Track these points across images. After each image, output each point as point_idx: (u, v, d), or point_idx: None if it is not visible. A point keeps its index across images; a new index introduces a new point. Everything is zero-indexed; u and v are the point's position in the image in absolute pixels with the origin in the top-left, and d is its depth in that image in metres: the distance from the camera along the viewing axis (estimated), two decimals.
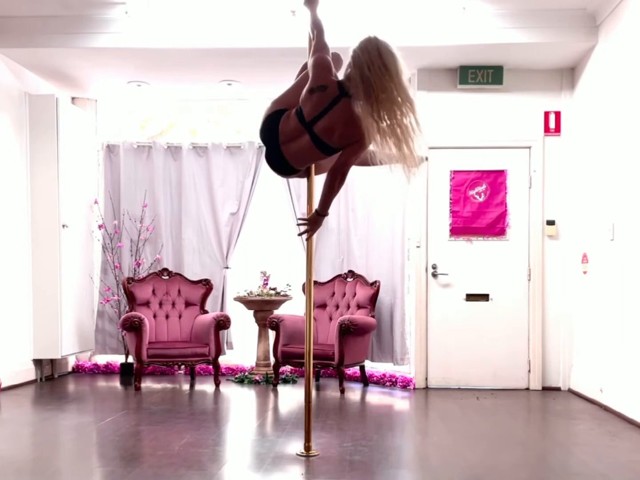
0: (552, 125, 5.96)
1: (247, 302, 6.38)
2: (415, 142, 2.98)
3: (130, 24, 5.44)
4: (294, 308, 6.45)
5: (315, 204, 3.46)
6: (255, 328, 6.50)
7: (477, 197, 5.99)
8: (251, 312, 6.45)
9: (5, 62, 5.76)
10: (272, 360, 6.23)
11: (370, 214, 6.47)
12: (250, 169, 6.82)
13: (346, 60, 3.15)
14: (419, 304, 5.99)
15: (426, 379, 5.99)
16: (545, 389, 5.90)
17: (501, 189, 5.99)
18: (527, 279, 5.96)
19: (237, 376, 6.32)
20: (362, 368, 6.12)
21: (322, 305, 6.39)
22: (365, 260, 6.48)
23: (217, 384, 5.94)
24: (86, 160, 6.66)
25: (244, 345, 6.86)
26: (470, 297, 5.99)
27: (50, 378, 6.33)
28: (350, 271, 6.42)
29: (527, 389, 5.92)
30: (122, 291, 6.41)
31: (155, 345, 5.93)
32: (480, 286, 5.98)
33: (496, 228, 5.98)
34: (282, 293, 6.46)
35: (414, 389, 5.92)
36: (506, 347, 5.93)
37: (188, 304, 6.48)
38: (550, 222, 5.94)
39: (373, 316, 6.04)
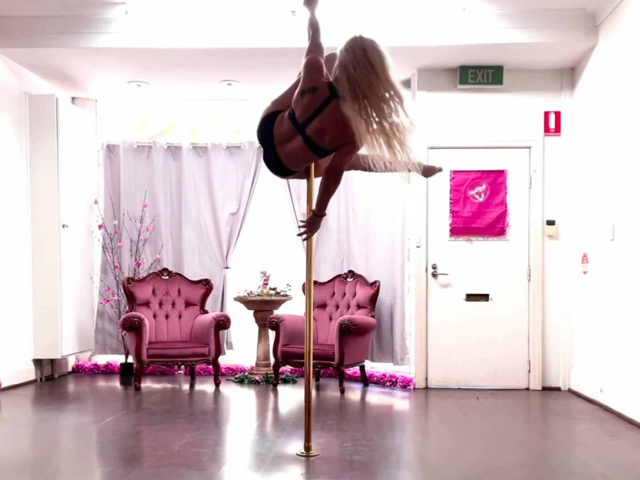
0: (552, 125, 5.96)
1: (247, 302, 6.38)
2: (407, 138, 2.95)
3: (130, 24, 5.44)
4: (294, 308, 6.45)
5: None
6: (255, 328, 6.50)
7: (477, 197, 5.99)
8: (251, 312, 6.45)
9: (5, 62, 5.76)
10: (272, 360, 6.23)
11: (370, 214, 6.47)
12: (250, 169, 6.82)
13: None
14: (419, 304, 5.99)
15: (426, 379, 5.99)
16: (545, 389, 5.90)
17: (501, 189, 5.99)
18: (527, 279, 5.96)
19: (237, 376, 6.32)
20: (362, 368, 6.12)
21: (322, 305, 6.39)
22: (365, 260, 6.48)
23: (217, 384, 5.94)
24: (86, 160, 6.66)
25: (244, 345, 6.86)
26: (470, 297, 5.99)
27: (50, 378, 6.33)
28: (350, 271, 6.42)
29: (527, 389, 5.92)
30: (122, 291, 6.41)
31: (155, 345, 5.93)
32: (480, 286, 5.98)
33: (496, 228, 5.98)
34: (282, 293, 6.47)
35: (414, 389, 5.92)
36: (506, 347, 5.93)
37: (188, 304, 6.48)
38: (550, 222, 5.94)
39: (373, 316, 6.04)
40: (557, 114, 5.95)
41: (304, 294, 3.78)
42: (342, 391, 5.65)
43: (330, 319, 6.31)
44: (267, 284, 6.46)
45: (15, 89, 5.91)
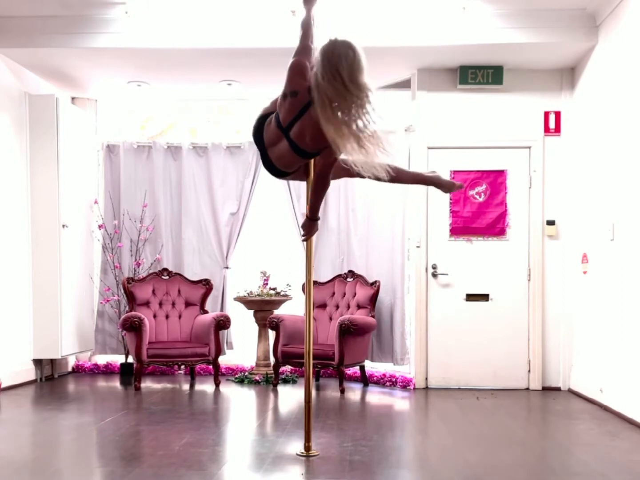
0: (552, 125, 5.96)
1: (247, 302, 6.39)
2: (380, 141, 2.89)
3: (130, 24, 5.44)
4: (294, 308, 6.45)
5: None
6: (255, 328, 6.50)
7: (477, 197, 5.99)
8: (251, 312, 6.45)
9: (5, 62, 5.76)
10: (272, 360, 6.23)
11: (370, 214, 6.47)
12: (250, 169, 6.82)
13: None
14: (419, 304, 5.99)
15: (426, 379, 5.99)
16: (545, 389, 5.90)
17: (501, 189, 5.99)
18: (527, 279, 5.96)
19: (237, 376, 6.32)
20: (362, 368, 6.12)
21: (322, 305, 6.39)
22: (365, 260, 6.48)
23: (217, 384, 5.94)
24: (86, 160, 6.66)
25: (244, 345, 6.86)
26: (470, 297, 5.99)
27: (50, 378, 6.33)
28: (350, 271, 6.42)
29: (527, 389, 5.92)
30: (122, 291, 6.41)
31: (155, 345, 5.93)
32: (480, 286, 5.98)
33: (496, 228, 5.98)
34: (282, 293, 6.47)
35: (414, 389, 5.92)
36: (506, 347, 5.93)
37: (188, 304, 6.48)
38: (550, 222, 5.94)
39: (373, 316, 6.04)
40: (557, 114, 5.95)
41: (304, 294, 3.79)
42: (342, 391, 5.65)
43: (330, 319, 6.31)
44: (267, 284, 6.46)
45: (15, 89, 5.91)
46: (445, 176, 5.88)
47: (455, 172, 5.99)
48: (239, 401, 5.55)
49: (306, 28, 3.35)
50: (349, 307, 6.27)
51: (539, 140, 5.96)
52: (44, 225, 6.04)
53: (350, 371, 6.30)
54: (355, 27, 5.34)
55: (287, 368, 6.45)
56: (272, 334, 6.21)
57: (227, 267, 6.82)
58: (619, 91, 4.89)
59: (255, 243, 7.05)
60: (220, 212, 6.84)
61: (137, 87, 6.55)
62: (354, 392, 5.78)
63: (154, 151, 6.90)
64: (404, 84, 6.20)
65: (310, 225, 3.50)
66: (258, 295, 6.39)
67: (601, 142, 5.23)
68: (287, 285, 6.56)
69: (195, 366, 6.30)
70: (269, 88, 5.84)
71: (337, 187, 6.47)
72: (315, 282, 6.14)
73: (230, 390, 5.86)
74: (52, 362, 6.36)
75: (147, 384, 6.07)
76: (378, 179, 3.04)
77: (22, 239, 5.96)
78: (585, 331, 5.57)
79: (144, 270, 6.73)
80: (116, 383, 6.20)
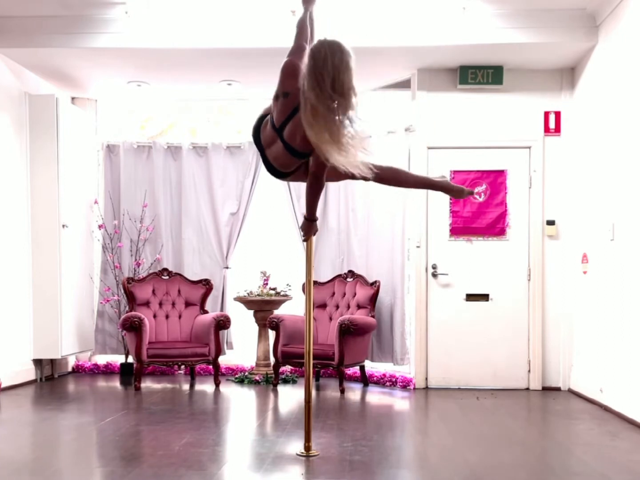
0: (552, 125, 5.96)
1: (247, 302, 6.39)
2: (359, 142, 2.85)
3: (130, 24, 5.44)
4: (294, 308, 6.45)
5: None
6: (255, 328, 6.50)
7: (477, 197, 5.99)
8: (251, 312, 6.45)
9: (5, 62, 5.76)
10: (272, 360, 6.23)
11: (370, 214, 6.47)
12: (250, 169, 6.82)
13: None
14: (419, 304, 5.99)
15: (426, 379, 5.99)
16: (545, 389, 5.90)
17: (501, 189, 5.99)
18: (527, 279, 5.96)
19: (237, 376, 6.32)
20: (362, 368, 6.12)
21: (322, 305, 6.39)
22: (365, 260, 6.48)
23: (217, 384, 5.94)
24: (86, 160, 6.66)
25: (244, 345, 6.86)
26: (470, 297, 5.99)
27: (50, 378, 6.33)
28: (350, 271, 6.42)
29: (527, 389, 5.92)
30: (122, 291, 6.41)
31: (155, 345, 5.93)
32: (480, 286, 5.98)
33: (496, 228, 5.98)
34: (282, 293, 6.47)
35: (414, 389, 5.92)
36: (506, 347, 5.93)
37: (188, 304, 6.48)
38: (550, 222, 5.94)
39: (373, 316, 6.04)
40: (557, 114, 5.95)
41: (304, 294, 3.79)
42: (342, 391, 5.65)
43: (330, 319, 6.31)
44: (267, 284, 6.46)
45: (15, 89, 5.91)
46: (445, 175, 5.96)
47: (455, 172, 5.99)
48: (239, 401, 5.55)
49: (301, 27, 3.34)
50: (349, 307, 6.27)
51: (539, 140, 5.96)
52: (44, 225, 6.04)
53: (350, 371, 6.30)
54: (355, 27, 5.35)
55: (287, 368, 6.45)
56: (272, 334, 6.21)
57: (227, 267, 6.82)
58: (619, 91, 4.89)
59: (255, 243, 7.05)
60: (220, 212, 6.84)
61: (137, 87, 6.55)
62: (354, 392, 5.78)
63: (154, 151, 6.90)
64: (404, 84, 6.20)
65: (308, 226, 3.52)
66: (258, 295, 6.39)
67: (601, 142, 5.23)
68: (287, 285, 6.56)
69: (195, 366, 6.30)
70: (269, 88, 5.74)
71: (337, 187, 6.48)
72: (315, 282, 6.14)
73: (230, 390, 5.86)
74: (52, 362, 6.36)
75: (147, 384, 6.07)
76: (364, 178, 3.03)
77: (22, 239, 5.96)
78: (585, 331, 5.57)
79: (144, 270, 6.73)
80: (116, 383, 6.20)
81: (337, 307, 6.35)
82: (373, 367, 6.43)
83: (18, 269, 5.89)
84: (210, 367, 6.27)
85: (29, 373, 6.06)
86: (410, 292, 6.16)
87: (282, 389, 5.92)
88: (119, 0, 5.29)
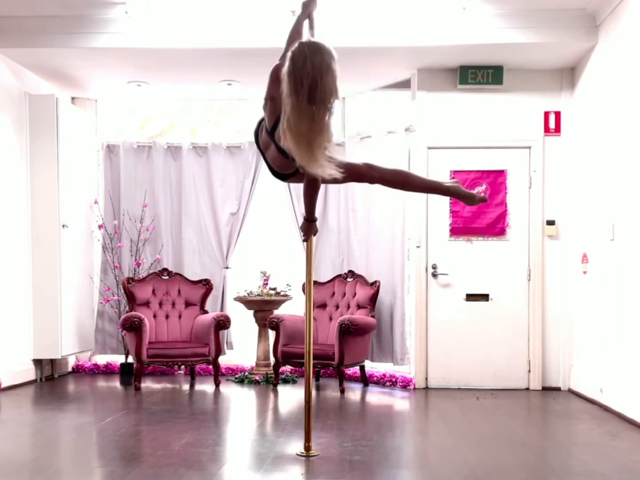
0: (552, 125, 5.96)
1: (247, 302, 6.39)
2: (326, 143, 2.80)
3: (130, 24, 5.44)
4: (294, 308, 6.45)
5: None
6: (255, 328, 6.50)
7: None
8: (251, 312, 6.45)
9: (5, 62, 5.76)
10: (272, 360, 6.23)
11: (370, 214, 6.46)
12: (250, 169, 6.82)
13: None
14: (419, 304, 5.99)
15: (426, 379, 5.99)
16: (545, 389, 5.90)
17: (501, 189, 5.99)
18: (527, 279, 5.96)
19: (237, 376, 6.32)
20: (362, 368, 6.12)
21: (322, 305, 6.39)
22: (365, 260, 6.48)
23: (217, 384, 5.94)
24: (86, 160, 6.66)
25: (244, 345, 6.86)
26: (470, 297, 5.99)
27: (50, 378, 6.33)
28: (350, 271, 6.42)
29: (527, 389, 5.92)
30: (122, 291, 6.41)
31: (155, 345, 5.93)
32: (480, 286, 5.98)
33: (496, 228, 5.98)
34: (282, 293, 6.47)
35: (414, 389, 5.92)
36: (506, 347, 5.93)
37: (188, 304, 6.48)
38: (550, 222, 5.94)
39: (373, 316, 6.04)
40: (557, 114, 5.95)
41: (304, 294, 3.79)
42: (342, 391, 5.65)
43: (330, 319, 6.31)
44: (267, 284, 6.46)
45: (15, 89, 5.91)
46: (445, 175, 5.96)
47: (455, 172, 5.99)
48: (239, 401, 5.55)
49: (293, 32, 3.32)
50: (349, 307, 6.27)
51: (539, 140, 5.96)
52: (44, 225, 6.04)
53: (350, 371, 6.30)
54: (355, 27, 5.36)
55: (287, 368, 6.45)
56: (272, 334, 6.21)
57: (227, 267, 6.82)
58: (619, 91, 4.89)
59: (255, 243, 7.05)
60: (220, 212, 6.84)
61: (137, 87, 6.55)
62: (354, 392, 5.78)
63: (154, 151, 6.90)
64: (404, 84, 6.20)
65: (308, 227, 3.53)
66: (258, 295, 6.39)
67: (601, 142, 5.23)
68: (287, 285, 6.56)
69: (195, 366, 6.30)
70: None
71: (337, 188, 6.47)
72: (315, 282, 6.13)
73: (230, 390, 5.86)
74: (52, 362, 6.36)
75: (147, 384, 6.07)
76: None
77: (22, 239, 5.96)
78: (585, 331, 5.57)
79: (144, 270, 6.73)
80: (116, 383, 6.21)
81: (337, 307, 6.35)
82: (373, 367, 6.43)
83: (18, 269, 5.89)
84: (210, 367, 6.27)
85: (29, 373, 6.06)
86: (410, 292, 6.16)
87: (282, 389, 5.92)
88: (119, 0, 5.29)
